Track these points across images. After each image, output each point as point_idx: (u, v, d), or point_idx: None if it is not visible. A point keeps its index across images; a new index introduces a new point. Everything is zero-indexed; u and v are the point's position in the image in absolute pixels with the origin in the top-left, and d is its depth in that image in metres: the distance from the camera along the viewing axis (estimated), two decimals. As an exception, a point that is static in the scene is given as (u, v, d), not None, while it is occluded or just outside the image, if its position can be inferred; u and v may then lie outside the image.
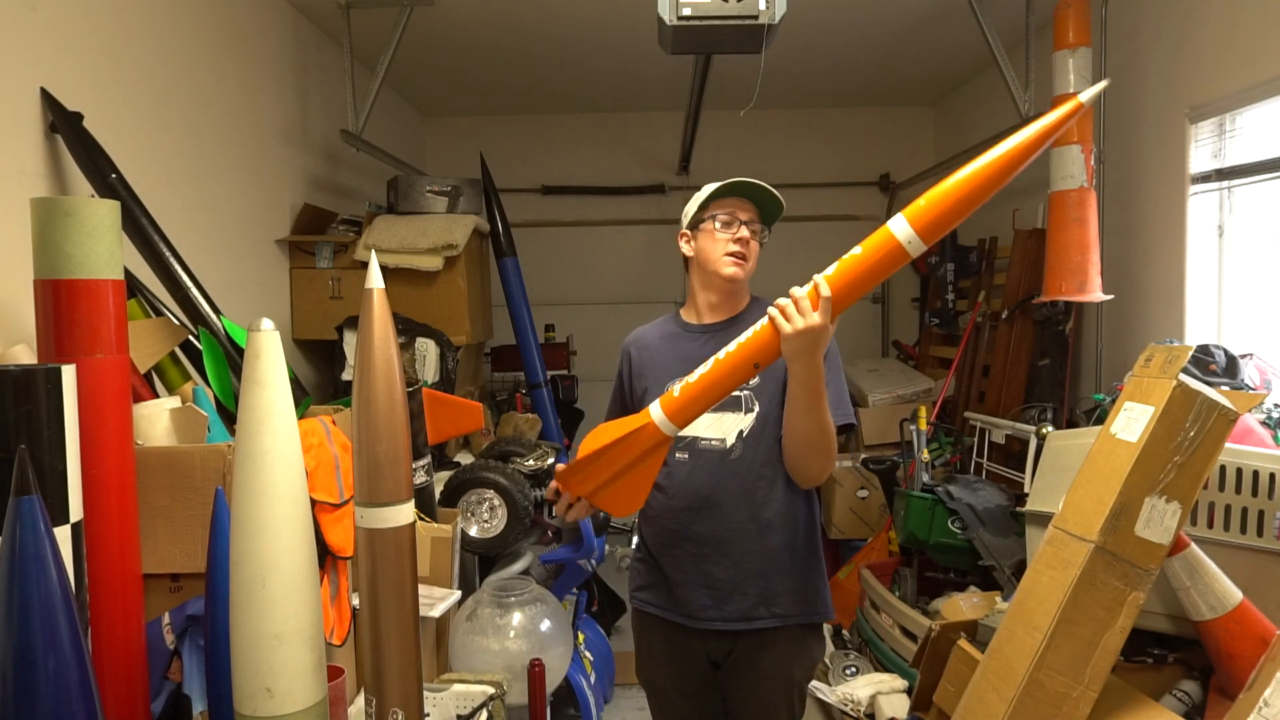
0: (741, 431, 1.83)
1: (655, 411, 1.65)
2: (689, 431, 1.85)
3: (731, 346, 1.60)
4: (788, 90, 5.22)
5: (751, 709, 1.90)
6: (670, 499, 1.87)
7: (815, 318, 1.51)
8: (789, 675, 1.88)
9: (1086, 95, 1.35)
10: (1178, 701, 1.88)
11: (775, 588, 1.85)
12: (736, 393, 1.84)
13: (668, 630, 1.92)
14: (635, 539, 2.06)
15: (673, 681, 1.95)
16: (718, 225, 1.87)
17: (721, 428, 1.84)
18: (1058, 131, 1.36)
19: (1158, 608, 1.91)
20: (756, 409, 1.84)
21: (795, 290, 1.54)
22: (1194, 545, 1.79)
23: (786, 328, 1.53)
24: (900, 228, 1.45)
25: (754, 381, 1.84)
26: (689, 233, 1.94)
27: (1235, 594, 1.77)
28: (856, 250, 1.51)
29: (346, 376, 3.43)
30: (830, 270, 1.53)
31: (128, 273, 2.00)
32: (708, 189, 1.90)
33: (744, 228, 1.85)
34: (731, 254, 1.85)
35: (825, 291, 1.50)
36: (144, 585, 1.64)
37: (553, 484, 1.78)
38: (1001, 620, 1.90)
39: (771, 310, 1.55)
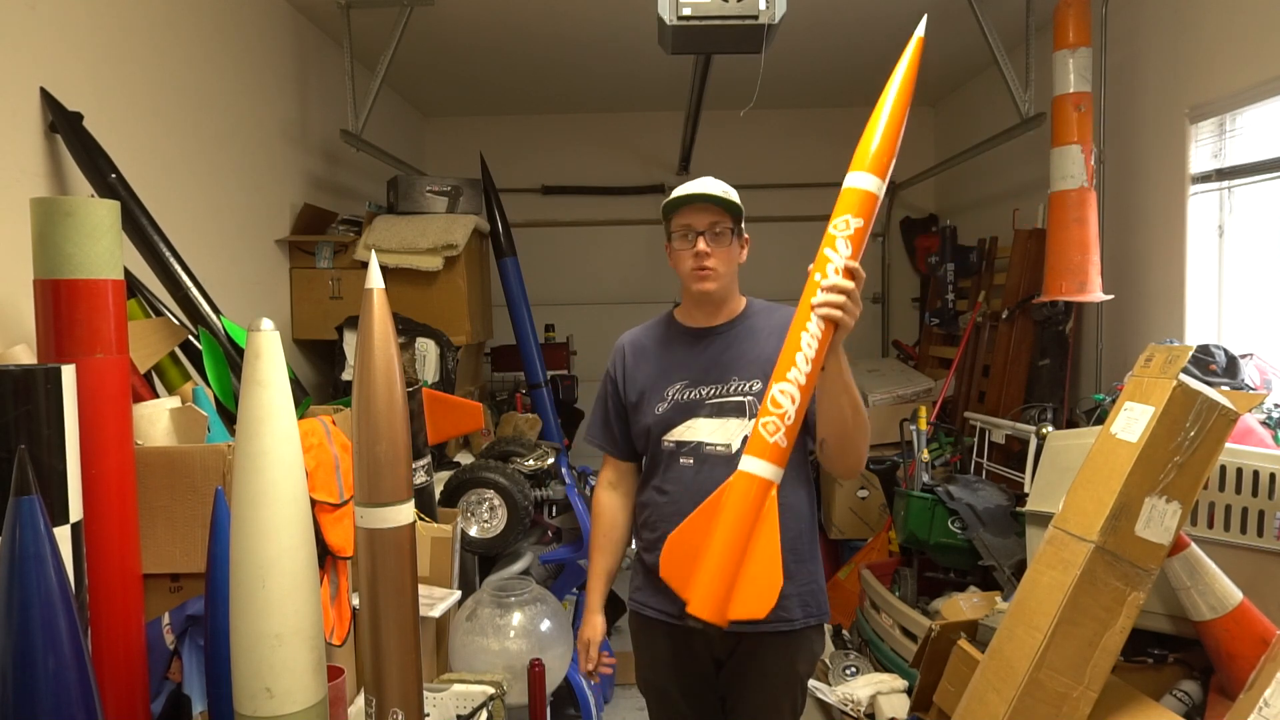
0: (746, 437, 1.82)
1: (755, 465, 1.55)
2: (694, 437, 1.84)
3: (801, 378, 1.53)
4: (788, 90, 5.22)
5: (755, 705, 1.90)
6: (675, 503, 1.86)
7: (859, 303, 1.53)
8: (793, 672, 1.89)
9: (920, 31, 1.60)
10: (1178, 701, 1.88)
11: (781, 591, 1.84)
12: (739, 399, 1.83)
13: (670, 632, 1.92)
14: (633, 542, 2.06)
15: (676, 682, 1.94)
16: (674, 241, 1.84)
17: (726, 433, 1.83)
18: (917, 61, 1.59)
19: (1158, 608, 1.91)
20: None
21: (831, 279, 1.51)
22: (1194, 545, 1.80)
23: (851, 322, 1.52)
24: (869, 182, 1.52)
25: (757, 388, 1.83)
26: (669, 244, 1.91)
27: (1235, 594, 1.77)
28: (851, 222, 1.52)
29: (346, 376, 3.43)
30: (846, 249, 1.52)
31: (128, 273, 2.00)
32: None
33: (700, 239, 1.79)
34: (695, 269, 1.82)
35: (863, 274, 1.53)
36: (144, 585, 1.64)
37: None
38: (1001, 620, 1.90)
39: (830, 311, 1.51)
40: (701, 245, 1.79)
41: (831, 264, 1.52)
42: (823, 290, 1.51)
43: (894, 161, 1.55)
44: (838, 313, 1.50)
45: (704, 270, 1.81)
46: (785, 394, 1.54)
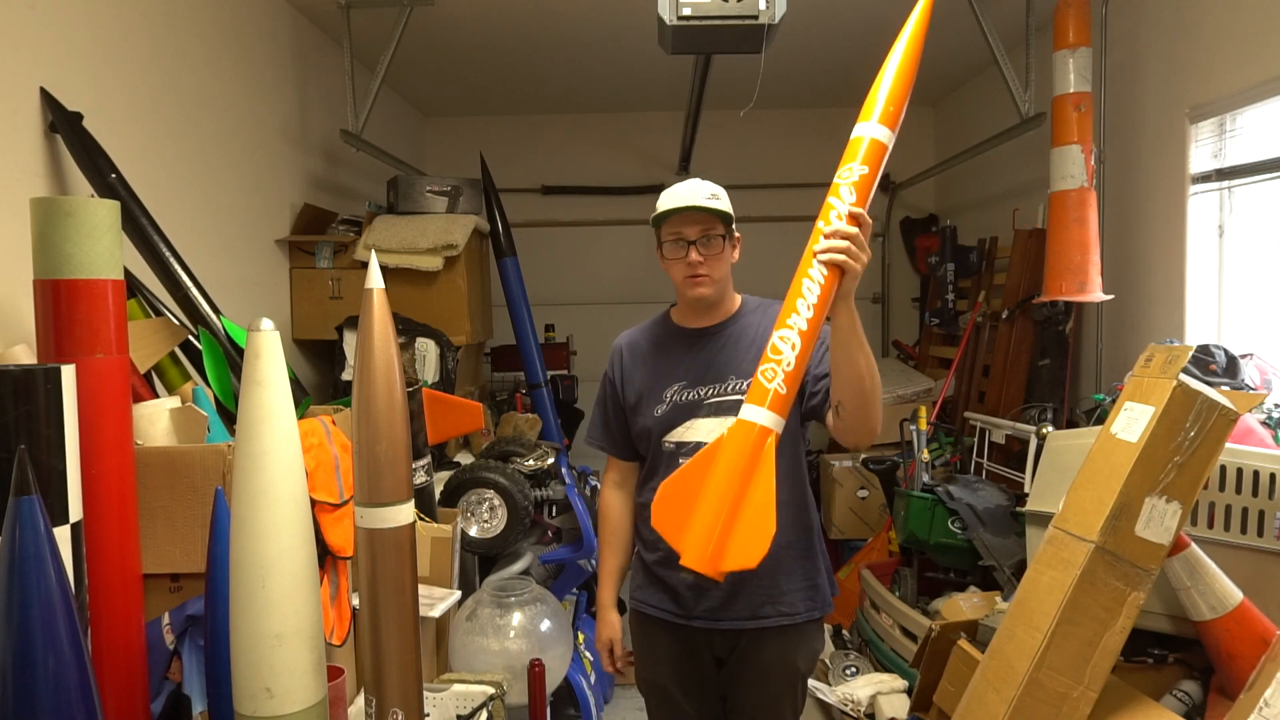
0: None
1: (756, 413, 1.50)
2: (693, 438, 1.84)
3: (802, 324, 1.49)
4: (788, 90, 5.21)
5: (756, 701, 1.90)
6: None
7: (869, 252, 1.50)
8: (794, 667, 1.89)
9: None
10: (1178, 701, 1.88)
11: (781, 586, 1.85)
12: (738, 398, 1.82)
13: (672, 630, 1.92)
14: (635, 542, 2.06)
15: (677, 681, 1.95)
16: (666, 250, 1.83)
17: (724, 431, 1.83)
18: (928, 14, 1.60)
19: (1158, 608, 1.91)
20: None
21: (835, 224, 1.47)
22: (1194, 545, 1.80)
23: (858, 267, 1.48)
24: (877, 131, 1.51)
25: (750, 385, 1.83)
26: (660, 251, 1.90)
27: (1235, 594, 1.77)
28: (856, 169, 1.49)
29: (346, 376, 3.43)
30: (851, 196, 1.48)
31: (128, 273, 2.00)
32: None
33: (692, 249, 1.79)
34: (689, 276, 1.82)
35: (869, 220, 1.50)
36: (144, 585, 1.64)
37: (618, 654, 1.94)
38: (1001, 620, 1.90)
39: (833, 257, 1.47)
40: (694, 255, 1.79)
41: (835, 210, 1.49)
42: (825, 236, 1.48)
43: (903, 115, 1.52)
44: (840, 257, 1.47)
45: (698, 277, 1.81)
46: (785, 340, 1.49)
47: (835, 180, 1.51)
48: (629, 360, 1.97)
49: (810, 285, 1.49)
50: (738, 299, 1.94)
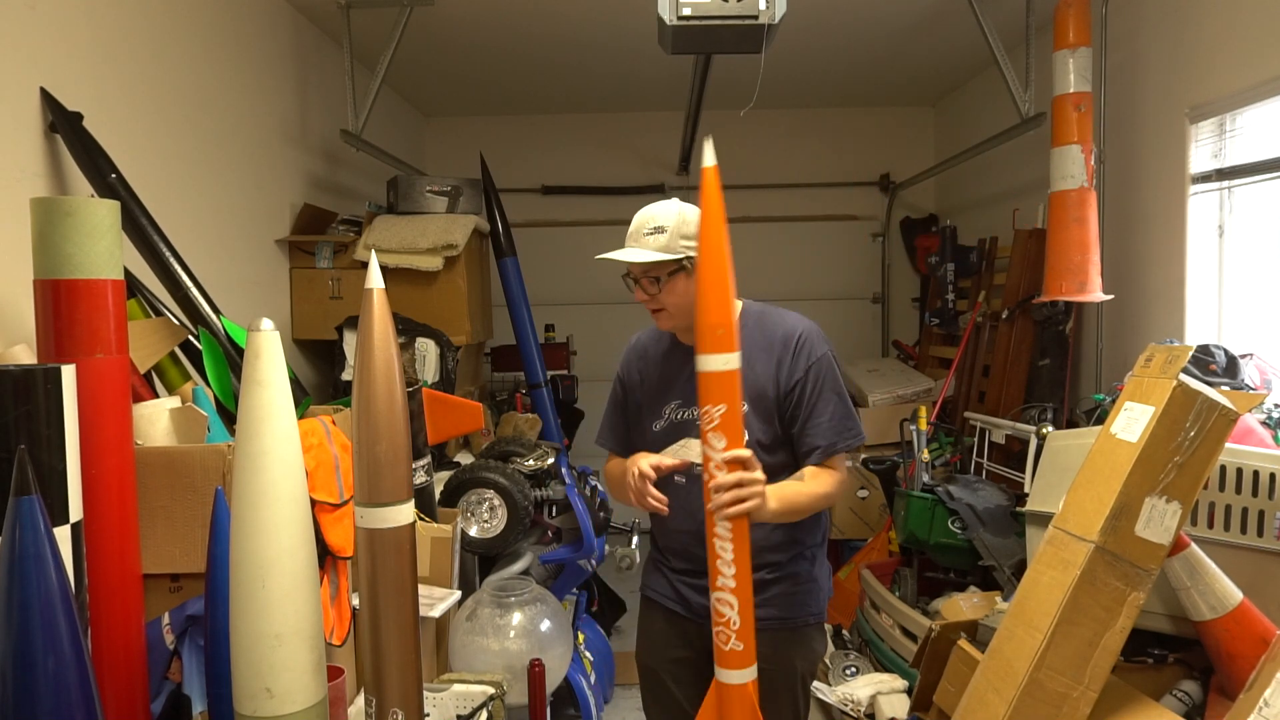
0: None
1: (730, 675, 1.57)
2: (687, 455, 1.85)
3: (731, 582, 1.53)
4: (788, 90, 5.22)
5: None
6: (672, 520, 1.87)
7: (761, 477, 1.52)
8: (790, 666, 1.89)
9: (708, 160, 1.46)
10: (1178, 701, 1.88)
11: (776, 591, 1.86)
12: None
13: (669, 616, 1.95)
14: (634, 538, 2.06)
15: (667, 667, 1.96)
16: (628, 283, 1.88)
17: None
18: (720, 205, 1.47)
19: (1158, 608, 1.91)
20: (746, 437, 1.82)
21: (717, 478, 1.50)
22: (1194, 545, 1.80)
23: (759, 503, 1.52)
24: (718, 362, 1.50)
25: (743, 409, 1.83)
26: None
27: (1235, 594, 1.77)
28: (713, 411, 1.50)
29: (346, 376, 3.43)
30: (720, 441, 1.50)
31: (128, 273, 2.00)
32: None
33: (638, 288, 1.84)
34: (649, 310, 1.86)
35: (746, 453, 1.51)
36: (144, 585, 1.64)
37: None
38: (1001, 620, 1.90)
39: (729, 510, 1.49)
40: (639, 294, 1.84)
41: (713, 462, 1.51)
42: (715, 493, 1.51)
43: (736, 327, 1.52)
44: (736, 508, 1.50)
45: (655, 313, 1.86)
46: (723, 602, 1.54)
47: (701, 425, 1.52)
48: (638, 363, 2.00)
49: (722, 544, 1.53)
50: (734, 309, 1.92)
